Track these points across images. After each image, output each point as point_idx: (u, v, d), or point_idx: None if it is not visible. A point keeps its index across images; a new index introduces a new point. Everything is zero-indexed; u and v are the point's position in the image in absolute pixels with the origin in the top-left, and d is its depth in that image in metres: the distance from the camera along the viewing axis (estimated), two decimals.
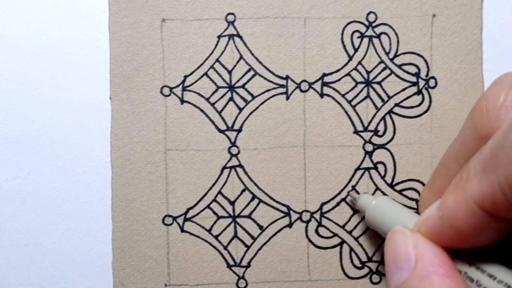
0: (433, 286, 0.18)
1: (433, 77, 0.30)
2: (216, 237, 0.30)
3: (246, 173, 0.29)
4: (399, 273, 0.20)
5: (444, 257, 0.19)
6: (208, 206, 0.30)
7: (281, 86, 0.30)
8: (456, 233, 0.19)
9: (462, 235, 0.19)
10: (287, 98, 0.30)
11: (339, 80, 0.30)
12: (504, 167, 0.16)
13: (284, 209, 0.30)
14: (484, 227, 0.18)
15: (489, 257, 0.19)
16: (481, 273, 0.19)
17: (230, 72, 0.30)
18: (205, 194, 0.29)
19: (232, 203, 0.30)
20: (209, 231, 0.30)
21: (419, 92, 0.30)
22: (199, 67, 0.29)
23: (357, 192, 0.29)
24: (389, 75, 0.30)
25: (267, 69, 0.29)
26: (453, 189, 0.19)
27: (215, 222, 0.30)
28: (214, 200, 0.30)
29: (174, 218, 0.29)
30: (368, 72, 0.30)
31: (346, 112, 0.30)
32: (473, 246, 0.19)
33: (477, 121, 0.20)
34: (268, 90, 0.30)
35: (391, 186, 0.30)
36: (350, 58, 0.30)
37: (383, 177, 0.30)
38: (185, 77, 0.29)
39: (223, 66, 0.29)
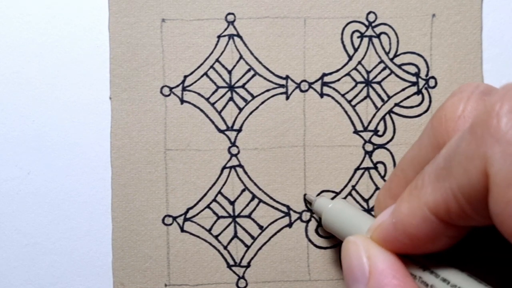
0: None
1: (433, 77, 0.30)
2: (216, 237, 0.30)
3: (246, 173, 0.30)
4: (356, 285, 0.20)
5: (398, 265, 0.20)
6: (208, 206, 0.30)
7: (281, 86, 0.30)
8: (410, 239, 0.19)
9: (416, 241, 0.19)
10: (287, 98, 0.30)
11: (339, 80, 0.30)
12: (457, 175, 0.17)
13: (284, 209, 0.30)
14: (438, 234, 0.18)
15: (443, 262, 0.19)
16: (435, 278, 0.19)
17: (230, 72, 0.30)
18: (205, 194, 0.30)
19: (232, 203, 0.30)
20: (209, 231, 0.30)
21: (419, 92, 0.30)
22: (199, 67, 0.29)
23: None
24: (389, 75, 0.30)
25: (267, 69, 0.30)
26: (408, 196, 0.19)
27: (215, 222, 0.30)
28: (214, 200, 0.30)
29: (174, 218, 0.29)
30: (368, 72, 0.30)
31: (346, 112, 0.30)
32: (427, 252, 0.19)
33: (435, 130, 0.20)
34: (268, 90, 0.30)
35: None
36: (350, 58, 0.30)
37: (383, 177, 0.30)
38: (185, 77, 0.29)
39: (223, 66, 0.29)
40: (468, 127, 0.17)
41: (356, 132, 0.30)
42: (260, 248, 0.30)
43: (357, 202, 0.30)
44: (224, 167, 0.30)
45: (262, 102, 0.30)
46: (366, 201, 0.30)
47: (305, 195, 0.29)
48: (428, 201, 0.18)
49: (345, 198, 0.30)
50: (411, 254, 0.20)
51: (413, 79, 0.30)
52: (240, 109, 0.30)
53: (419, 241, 0.19)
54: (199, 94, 0.29)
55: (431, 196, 0.18)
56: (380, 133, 0.30)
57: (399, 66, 0.30)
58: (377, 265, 0.20)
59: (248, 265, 0.30)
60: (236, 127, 0.30)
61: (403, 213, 0.19)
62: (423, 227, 0.18)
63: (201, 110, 0.29)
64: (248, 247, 0.30)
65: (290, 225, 0.30)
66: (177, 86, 0.29)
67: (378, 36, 0.30)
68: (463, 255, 0.20)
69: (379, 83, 0.30)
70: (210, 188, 0.29)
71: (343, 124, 0.30)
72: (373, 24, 0.30)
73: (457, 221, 0.17)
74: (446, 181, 0.17)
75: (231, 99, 0.30)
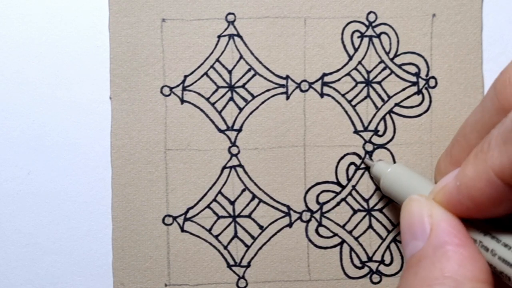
0: (447, 256, 0.18)
1: (433, 77, 0.30)
2: (216, 237, 0.30)
3: (246, 173, 0.30)
4: (414, 242, 0.20)
5: (459, 226, 0.19)
6: (208, 206, 0.30)
7: (281, 86, 0.30)
8: (473, 203, 0.19)
9: (479, 205, 0.19)
10: (287, 98, 0.30)
11: (339, 80, 0.30)
12: None
13: (284, 209, 0.30)
14: (502, 199, 0.18)
15: (504, 227, 0.19)
16: (496, 242, 0.19)
17: (230, 72, 0.30)
18: (205, 194, 0.29)
19: (232, 203, 0.30)
20: (209, 231, 0.30)
21: (419, 92, 0.30)
22: (199, 67, 0.29)
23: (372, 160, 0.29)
24: (389, 75, 0.30)
25: (267, 69, 0.29)
26: (473, 159, 0.19)
27: (215, 222, 0.30)
28: (214, 200, 0.30)
29: (174, 218, 0.29)
30: (368, 72, 0.30)
31: (346, 112, 0.30)
32: (490, 216, 0.19)
33: (499, 93, 0.20)
34: (268, 90, 0.30)
35: None
36: (350, 58, 0.30)
37: None
38: (185, 77, 0.29)
39: (223, 66, 0.29)
40: None
41: (356, 132, 0.30)
42: (260, 248, 0.30)
43: (357, 202, 0.30)
44: (224, 167, 0.30)
45: (262, 102, 0.30)
46: (367, 201, 0.30)
47: (363, 158, 0.29)
48: (495, 165, 0.18)
49: (345, 198, 0.30)
50: (473, 219, 0.20)
51: (413, 79, 0.30)
52: (240, 109, 0.30)
53: (483, 205, 0.19)
54: (199, 94, 0.29)
55: (498, 159, 0.18)
56: (380, 133, 0.30)
57: (399, 66, 0.30)
58: (439, 223, 0.19)
59: (248, 265, 0.30)
60: (236, 127, 0.30)
61: (468, 176, 0.19)
62: (488, 190, 0.18)
63: (201, 110, 0.29)
64: (248, 247, 0.30)
65: (290, 225, 0.30)
66: (177, 86, 0.29)
67: (378, 36, 0.30)
68: None
69: (379, 83, 0.30)
70: (210, 188, 0.29)
71: (343, 124, 0.30)
72: (373, 24, 0.30)
73: None
74: None
75: (231, 99, 0.30)
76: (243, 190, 0.30)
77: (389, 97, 0.30)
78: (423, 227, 0.20)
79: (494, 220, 0.19)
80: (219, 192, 0.30)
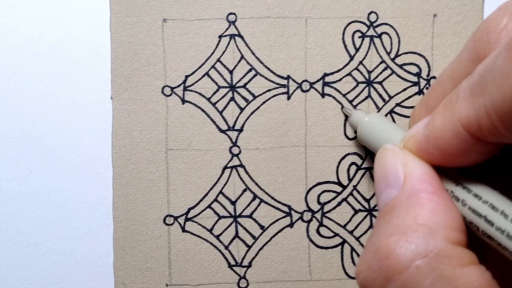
0: (421, 203, 0.18)
1: (434, 77, 0.30)
2: (217, 237, 0.30)
3: (247, 173, 0.30)
4: (387, 191, 0.20)
5: (433, 174, 0.19)
6: (209, 206, 0.30)
7: (282, 86, 0.30)
8: (440, 153, 0.19)
9: (447, 155, 0.19)
10: (288, 98, 0.30)
11: (340, 80, 0.30)
12: (491, 91, 0.16)
13: (285, 209, 0.30)
14: (469, 150, 0.18)
15: (475, 177, 0.19)
16: (467, 193, 0.19)
17: (231, 72, 0.30)
18: (206, 194, 0.30)
19: (233, 203, 0.30)
20: (210, 231, 0.30)
21: (420, 92, 0.30)
22: (200, 67, 0.29)
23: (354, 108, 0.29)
24: (390, 75, 0.30)
25: (268, 69, 0.29)
26: (442, 110, 0.19)
27: (216, 222, 0.30)
28: (215, 200, 0.30)
29: (175, 218, 0.29)
30: (369, 72, 0.30)
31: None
32: (458, 165, 0.19)
33: (476, 43, 0.20)
34: (269, 90, 0.30)
35: None
36: (351, 58, 0.30)
37: None
38: (186, 77, 0.29)
39: (224, 66, 0.29)
40: (505, 44, 0.16)
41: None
42: (261, 248, 0.30)
43: (358, 202, 0.30)
44: (225, 167, 0.30)
45: (263, 102, 0.30)
46: (368, 201, 0.30)
47: (342, 107, 0.29)
48: (461, 116, 0.18)
49: (346, 198, 0.30)
50: (445, 168, 0.20)
51: (415, 79, 0.30)
52: (242, 109, 0.30)
53: (450, 155, 0.19)
54: (200, 94, 0.29)
55: (465, 111, 0.18)
56: None
57: (401, 66, 0.30)
58: (413, 171, 0.19)
59: (249, 265, 0.30)
60: (237, 127, 0.30)
61: (436, 126, 0.19)
62: (455, 141, 0.18)
63: (203, 110, 0.29)
64: (249, 247, 0.30)
65: (291, 225, 0.30)
66: (179, 86, 0.29)
67: (379, 36, 0.30)
68: (496, 174, 0.20)
69: (380, 83, 0.30)
70: (211, 188, 0.29)
71: (345, 124, 0.30)
72: (374, 24, 0.30)
73: (488, 137, 0.17)
74: (480, 97, 0.17)
75: (232, 99, 0.30)
76: (244, 190, 0.30)
77: (390, 97, 0.30)
78: (397, 175, 0.20)
79: (466, 170, 0.19)
80: (220, 192, 0.30)
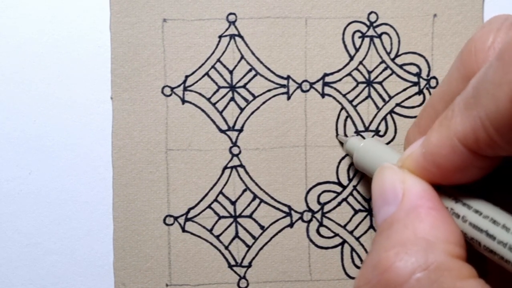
0: (420, 218, 0.18)
1: (434, 77, 0.30)
2: (217, 237, 0.30)
3: (247, 173, 0.30)
4: (386, 208, 0.20)
5: (431, 191, 0.19)
6: (209, 206, 0.30)
7: (282, 86, 0.30)
8: (438, 170, 0.19)
9: (445, 172, 0.19)
10: (288, 98, 0.30)
11: (340, 80, 0.30)
12: (485, 102, 0.16)
13: (285, 209, 0.30)
14: (467, 165, 0.18)
15: (474, 194, 0.19)
16: (467, 209, 0.19)
17: (231, 72, 0.30)
18: (206, 194, 0.30)
19: (233, 203, 0.30)
20: (210, 231, 0.30)
21: (420, 92, 0.30)
22: (200, 67, 0.29)
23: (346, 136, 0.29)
24: (390, 75, 0.30)
25: (268, 69, 0.29)
26: (438, 127, 0.19)
27: (216, 222, 0.30)
28: (215, 200, 0.30)
29: (175, 218, 0.29)
30: (369, 72, 0.30)
31: (347, 112, 0.30)
32: (457, 182, 0.19)
33: (465, 62, 0.20)
34: (269, 90, 0.30)
35: None
36: (351, 58, 0.30)
37: None
38: (186, 77, 0.29)
39: (224, 66, 0.29)
40: (496, 55, 0.16)
41: (357, 132, 0.30)
42: (261, 248, 0.30)
43: (358, 202, 0.30)
44: (225, 167, 0.30)
45: (263, 102, 0.30)
46: (368, 201, 0.30)
47: (337, 135, 0.29)
48: (457, 131, 0.18)
49: (346, 198, 0.30)
50: (442, 185, 0.20)
51: (415, 79, 0.30)
52: (241, 109, 0.30)
53: (448, 171, 0.19)
54: (200, 94, 0.29)
55: (460, 125, 0.18)
56: (381, 133, 0.30)
57: (401, 66, 0.30)
58: (411, 188, 0.19)
59: (249, 265, 0.30)
60: (237, 127, 0.30)
61: (432, 143, 0.19)
62: (452, 157, 0.18)
63: (202, 110, 0.29)
64: (249, 247, 0.30)
65: (291, 225, 0.30)
66: (179, 86, 0.29)
67: (379, 36, 0.30)
68: (493, 188, 0.20)
69: (380, 83, 0.30)
70: (211, 188, 0.29)
71: (344, 124, 0.30)
72: (374, 24, 0.30)
73: (486, 150, 0.17)
74: (474, 110, 0.17)
75: (232, 99, 0.30)
76: (244, 190, 0.30)
77: (390, 97, 0.30)
78: (395, 192, 0.20)
79: (464, 187, 0.19)
80: (220, 192, 0.30)
